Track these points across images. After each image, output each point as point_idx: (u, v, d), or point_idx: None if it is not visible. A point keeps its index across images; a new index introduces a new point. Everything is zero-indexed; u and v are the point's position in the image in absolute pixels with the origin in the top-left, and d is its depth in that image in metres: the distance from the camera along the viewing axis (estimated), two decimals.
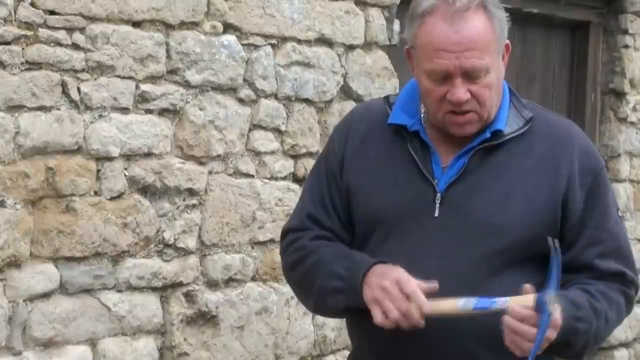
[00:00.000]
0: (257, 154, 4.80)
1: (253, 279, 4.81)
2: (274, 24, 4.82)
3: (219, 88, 4.63)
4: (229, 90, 4.68)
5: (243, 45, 4.71)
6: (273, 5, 4.80)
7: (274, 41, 4.82)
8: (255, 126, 4.79)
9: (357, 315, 2.62)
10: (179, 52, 4.48)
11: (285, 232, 2.79)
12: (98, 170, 4.25)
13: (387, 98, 2.78)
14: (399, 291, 2.48)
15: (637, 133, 6.71)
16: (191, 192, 4.55)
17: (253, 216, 4.77)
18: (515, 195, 2.59)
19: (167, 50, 4.45)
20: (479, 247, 2.57)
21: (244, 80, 4.73)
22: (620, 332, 6.58)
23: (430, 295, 2.48)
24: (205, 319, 4.62)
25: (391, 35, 5.29)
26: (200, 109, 4.56)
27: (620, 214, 2.73)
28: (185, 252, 4.55)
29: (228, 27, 4.66)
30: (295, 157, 4.95)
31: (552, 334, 2.45)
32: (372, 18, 5.21)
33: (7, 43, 3.96)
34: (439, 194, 2.61)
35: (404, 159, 2.65)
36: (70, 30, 4.13)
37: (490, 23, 2.55)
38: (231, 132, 4.68)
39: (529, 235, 2.56)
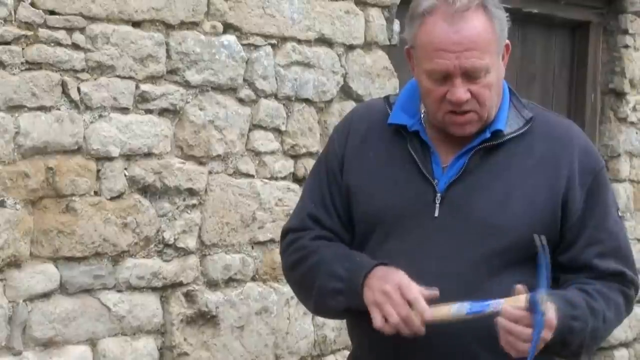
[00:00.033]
0: (257, 154, 4.80)
1: (253, 279, 4.81)
2: (274, 24, 4.82)
3: (219, 88, 4.63)
4: (229, 90, 4.68)
5: (243, 45, 4.71)
6: (273, 5, 4.80)
7: (274, 41, 4.82)
8: (255, 126, 4.79)
9: (357, 316, 2.62)
10: (179, 52, 4.48)
11: (286, 232, 2.79)
12: (98, 170, 4.25)
13: (387, 98, 2.78)
14: (400, 296, 2.48)
15: (637, 133, 6.71)
16: (191, 192, 4.55)
17: (253, 216, 4.77)
18: (515, 195, 2.59)
19: (167, 50, 4.45)
20: (479, 247, 2.57)
21: (244, 80, 4.73)
22: (620, 332, 6.58)
23: (430, 301, 2.48)
24: (205, 319, 4.62)
25: (391, 35, 5.29)
26: (200, 109, 4.57)
27: (620, 214, 2.73)
28: (185, 252, 4.55)
29: (228, 27, 4.66)
30: (295, 157, 4.95)
31: (547, 334, 2.46)
32: (372, 18, 5.21)
33: (7, 43, 3.96)
34: (439, 194, 2.61)
35: (404, 159, 2.65)
36: (70, 30, 4.13)
37: (490, 23, 2.55)
38: (231, 132, 4.68)
39: (529, 235, 2.55)
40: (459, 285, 2.53)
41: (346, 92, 5.13)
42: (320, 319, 4.98)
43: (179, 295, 4.54)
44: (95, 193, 4.25)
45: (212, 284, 4.65)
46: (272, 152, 4.85)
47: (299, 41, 4.92)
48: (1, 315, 3.99)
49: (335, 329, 5.08)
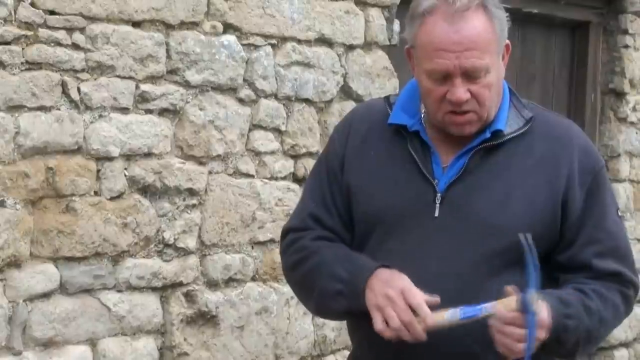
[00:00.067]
0: (257, 154, 4.80)
1: (253, 279, 4.81)
2: (274, 24, 4.82)
3: (219, 88, 4.63)
4: (229, 90, 4.68)
5: (243, 45, 4.71)
6: (273, 5, 4.80)
7: (274, 41, 4.82)
8: (255, 126, 4.79)
9: (358, 318, 2.62)
10: (179, 52, 4.48)
11: (286, 232, 2.79)
12: (98, 170, 4.25)
13: (387, 98, 2.78)
14: (403, 301, 2.48)
15: (637, 133, 6.71)
16: (191, 192, 4.55)
17: (253, 216, 4.77)
18: (515, 195, 2.59)
19: (167, 50, 4.45)
20: (479, 247, 2.57)
21: (244, 80, 4.73)
22: (620, 332, 6.58)
23: (431, 308, 2.48)
24: (205, 319, 4.62)
25: (391, 35, 5.29)
26: (200, 109, 4.56)
27: (620, 214, 2.73)
28: (185, 252, 4.55)
29: (228, 27, 4.66)
30: (295, 157, 4.94)
31: (541, 333, 2.46)
32: (372, 18, 5.21)
33: (7, 43, 3.96)
34: (439, 194, 2.61)
35: (404, 159, 2.65)
36: (70, 30, 4.13)
37: (490, 23, 2.55)
38: (231, 132, 4.68)
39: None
40: (459, 285, 2.53)
41: (346, 92, 5.13)
42: (320, 319, 4.98)
43: (179, 295, 4.54)
44: (95, 193, 4.25)
45: (212, 284, 4.65)
46: (272, 152, 4.85)
47: (299, 41, 4.92)
48: (1, 315, 3.99)
49: (335, 329, 5.08)
